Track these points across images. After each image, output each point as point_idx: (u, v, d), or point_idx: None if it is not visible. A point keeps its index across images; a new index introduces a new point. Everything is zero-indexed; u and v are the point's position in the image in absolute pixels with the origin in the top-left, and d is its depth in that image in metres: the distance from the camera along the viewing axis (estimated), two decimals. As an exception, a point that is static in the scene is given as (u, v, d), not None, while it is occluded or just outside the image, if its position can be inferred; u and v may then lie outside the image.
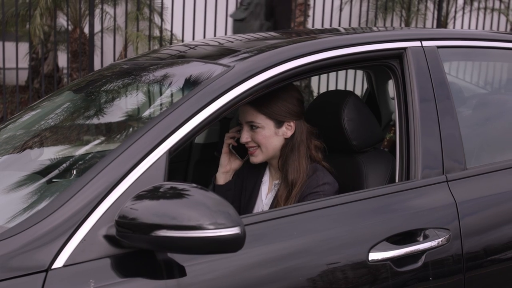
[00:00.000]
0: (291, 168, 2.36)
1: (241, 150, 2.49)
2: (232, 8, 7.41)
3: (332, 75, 7.75)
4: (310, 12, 9.40)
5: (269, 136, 2.38)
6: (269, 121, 2.37)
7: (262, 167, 2.53)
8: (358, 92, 7.09)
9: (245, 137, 2.40)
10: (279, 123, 2.38)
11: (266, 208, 2.45)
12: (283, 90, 2.36)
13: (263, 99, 2.33)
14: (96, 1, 7.52)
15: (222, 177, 2.53)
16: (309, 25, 9.31)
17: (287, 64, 2.11)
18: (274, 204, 2.40)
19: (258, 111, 2.36)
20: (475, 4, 9.93)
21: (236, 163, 2.53)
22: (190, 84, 2.13)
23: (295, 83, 2.61)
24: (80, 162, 2.25)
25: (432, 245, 2.07)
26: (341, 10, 8.26)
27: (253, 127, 2.38)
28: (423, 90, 2.29)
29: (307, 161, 2.39)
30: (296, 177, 2.35)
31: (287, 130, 2.39)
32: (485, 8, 9.46)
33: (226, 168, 2.52)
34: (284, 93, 2.37)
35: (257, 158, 2.42)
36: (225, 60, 2.17)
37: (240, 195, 2.54)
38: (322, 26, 7.96)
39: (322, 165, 2.41)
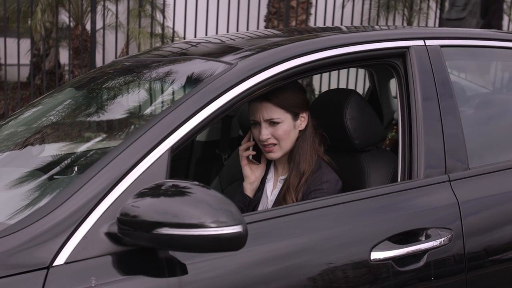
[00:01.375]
0: (303, 158, 2.38)
1: (256, 156, 2.49)
2: (234, 5, 7.40)
3: (334, 73, 7.75)
4: (312, 10, 9.38)
5: (289, 130, 2.38)
6: (288, 115, 2.37)
7: (266, 163, 2.53)
8: (360, 90, 7.09)
9: (266, 134, 2.37)
10: (295, 116, 2.39)
11: (271, 204, 2.45)
12: (291, 83, 2.36)
13: (278, 93, 2.33)
14: (98, -2, 7.52)
15: (250, 188, 2.50)
16: (311, 23, 9.31)
17: (290, 62, 2.11)
18: (282, 194, 2.39)
19: (277, 106, 2.36)
20: (478, 3, 9.90)
21: (259, 170, 2.50)
22: (192, 81, 2.13)
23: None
24: (82, 159, 2.25)
25: (434, 244, 2.07)
26: (343, 8, 8.25)
27: (272, 123, 2.37)
28: (426, 89, 2.29)
29: (315, 152, 2.41)
30: (307, 167, 2.37)
31: (301, 121, 2.41)
32: (488, 7, 9.42)
33: (251, 178, 2.49)
34: (293, 85, 2.39)
35: (276, 154, 2.41)
36: (227, 58, 2.16)
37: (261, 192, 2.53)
38: (324, 24, 7.95)
39: (324, 160, 2.42)
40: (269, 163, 2.53)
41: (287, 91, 2.36)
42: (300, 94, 2.40)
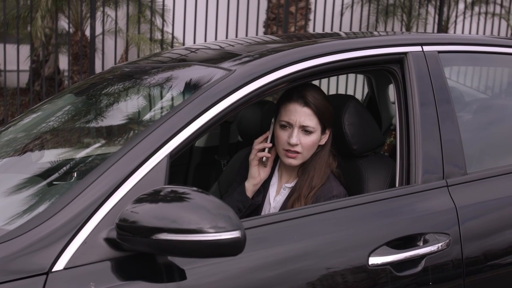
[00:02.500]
0: (318, 173, 2.37)
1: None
2: (233, 11, 7.41)
3: (333, 79, 7.76)
4: (311, 16, 9.40)
5: (316, 142, 2.39)
6: (319, 127, 2.37)
7: (270, 168, 2.52)
8: (359, 96, 7.10)
9: (295, 139, 2.35)
10: (323, 129, 2.39)
11: (273, 210, 2.44)
12: (325, 96, 2.37)
13: (320, 103, 2.35)
14: (97, 4, 7.54)
15: (253, 189, 2.47)
16: (310, 29, 9.32)
17: (288, 68, 2.12)
18: (291, 202, 2.37)
19: (315, 115, 2.35)
20: (476, 9, 9.94)
21: (264, 173, 2.48)
22: (191, 87, 2.13)
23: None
24: (81, 165, 2.25)
25: (432, 249, 2.07)
26: (342, 14, 8.27)
27: (305, 131, 2.36)
28: (424, 95, 2.30)
29: (327, 168, 2.41)
30: (319, 181, 2.37)
31: (324, 137, 2.41)
32: (486, 13, 9.47)
33: (257, 180, 2.47)
34: (327, 100, 2.39)
35: (296, 161, 2.39)
36: (226, 64, 2.17)
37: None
38: (323, 30, 7.97)
39: (334, 173, 2.41)
40: (273, 168, 2.53)
41: (326, 102, 2.37)
42: (332, 109, 2.40)
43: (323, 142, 2.41)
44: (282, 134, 2.38)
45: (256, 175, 2.46)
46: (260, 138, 2.47)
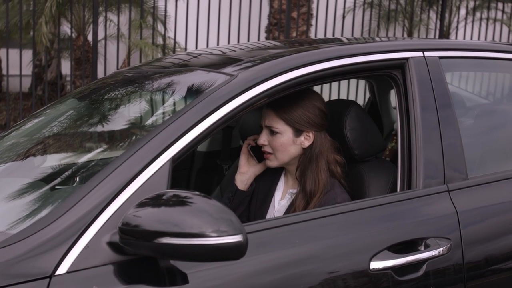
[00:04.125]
0: (309, 179, 2.36)
1: (259, 154, 2.49)
2: (235, 16, 7.43)
3: (335, 84, 7.77)
4: (313, 22, 9.43)
5: (286, 143, 2.38)
6: (288, 128, 2.37)
7: (278, 171, 2.53)
8: (360, 101, 7.11)
9: (263, 139, 2.40)
10: (297, 132, 2.38)
11: (277, 215, 2.45)
12: (306, 99, 2.37)
13: (285, 106, 2.34)
14: (100, 9, 7.55)
15: (239, 179, 2.52)
16: (312, 34, 9.34)
17: (290, 74, 2.12)
18: (290, 212, 2.38)
19: (278, 117, 2.37)
20: (477, 14, 9.95)
21: (256, 167, 2.52)
22: (194, 92, 2.14)
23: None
24: (83, 170, 2.26)
25: (433, 254, 2.08)
26: (343, 19, 8.29)
27: (272, 131, 2.39)
28: (425, 100, 2.30)
29: (327, 174, 2.38)
30: (314, 188, 2.35)
31: (305, 140, 2.39)
32: (488, 19, 9.48)
33: (243, 169, 2.52)
34: (307, 102, 2.37)
35: (272, 162, 2.43)
36: (228, 69, 2.18)
37: (251, 197, 2.54)
38: (325, 35, 7.98)
39: (340, 182, 2.40)
40: (281, 171, 2.53)
41: (296, 105, 2.35)
42: (310, 113, 2.37)
43: (305, 145, 2.39)
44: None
45: (242, 164, 2.51)
46: (252, 136, 2.54)
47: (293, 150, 2.40)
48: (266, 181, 2.55)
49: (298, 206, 2.36)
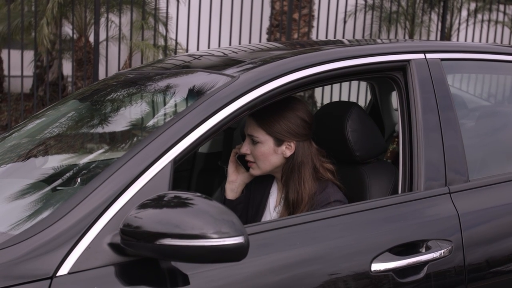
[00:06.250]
0: (291, 189, 2.35)
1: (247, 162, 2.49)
2: (236, 18, 7.44)
3: (336, 86, 7.77)
4: (315, 23, 9.43)
5: (267, 153, 2.36)
6: (269, 138, 2.35)
7: (269, 177, 2.52)
8: (361, 103, 7.11)
9: (245, 148, 2.40)
10: (278, 141, 2.36)
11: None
12: (289, 109, 2.35)
13: (266, 115, 2.33)
14: (101, 10, 7.56)
15: (229, 187, 2.51)
16: (313, 36, 9.34)
17: (292, 75, 2.12)
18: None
19: (259, 126, 2.35)
20: (479, 16, 9.95)
21: (244, 176, 2.50)
22: (195, 94, 2.14)
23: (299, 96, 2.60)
24: (85, 171, 2.27)
25: (434, 256, 2.08)
26: (345, 21, 8.29)
27: (253, 141, 2.38)
28: (426, 102, 2.30)
29: (313, 182, 2.36)
30: (297, 198, 2.33)
31: (287, 149, 2.37)
32: (489, 21, 9.48)
33: (232, 177, 2.50)
34: (289, 113, 2.35)
35: (255, 171, 2.42)
36: (229, 71, 2.18)
37: (248, 205, 2.54)
38: (326, 37, 7.98)
39: (335, 183, 2.39)
40: (272, 177, 2.52)
41: (277, 115, 2.34)
42: (292, 123, 2.34)
43: (287, 154, 2.37)
44: None
45: (231, 172, 2.50)
46: (239, 145, 2.51)
47: (275, 159, 2.38)
48: (259, 188, 2.54)
49: (282, 215, 2.36)
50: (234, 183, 2.51)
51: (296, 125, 2.35)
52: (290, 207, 2.35)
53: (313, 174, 2.38)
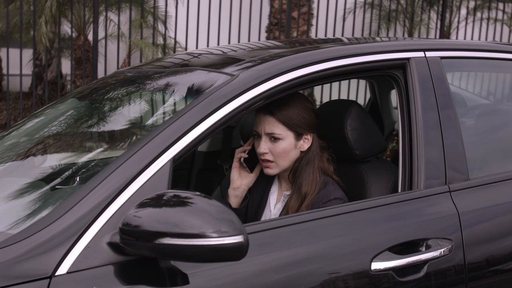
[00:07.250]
0: (306, 181, 2.34)
1: (250, 163, 2.47)
2: (235, 16, 7.43)
3: (335, 84, 7.77)
4: (314, 21, 9.42)
5: (289, 149, 2.35)
6: (290, 133, 2.34)
7: (270, 176, 2.50)
8: (361, 101, 7.11)
9: (263, 148, 2.35)
10: (298, 136, 2.36)
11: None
12: (300, 102, 2.35)
13: (283, 110, 2.32)
14: (100, 9, 7.55)
15: (233, 194, 2.48)
16: (313, 34, 9.34)
17: (291, 74, 2.12)
18: (283, 214, 2.37)
19: (280, 122, 2.33)
20: (478, 14, 9.95)
21: (247, 179, 2.48)
22: (194, 92, 2.14)
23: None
24: (84, 170, 2.26)
25: (434, 255, 2.08)
26: (344, 19, 8.28)
27: (273, 138, 2.35)
28: (426, 100, 2.30)
29: (320, 173, 2.37)
30: (310, 190, 2.33)
31: (304, 143, 2.37)
32: (488, 19, 9.47)
33: (237, 183, 2.47)
34: (303, 105, 2.35)
35: (273, 170, 2.39)
36: (229, 69, 2.18)
37: (248, 204, 2.53)
38: (326, 35, 7.98)
39: (333, 178, 2.39)
40: (271, 176, 2.51)
41: (294, 108, 2.33)
42: (308, 115, 2.35)
43: (305, 148, 2.38)
44: (256, 145, 2.40)
45: (235, 179, 2.47)
46: (241, 148, 2.49)
47: (294, 154, 2.38)
48: (259, 187, 2.53)
49: (292, 207, 2.34)
50: (239, 189, 2.48)
51: (310, 116, 2.37)
52: (302, 197, 2.33)
53: (320, 166, 2.39)
